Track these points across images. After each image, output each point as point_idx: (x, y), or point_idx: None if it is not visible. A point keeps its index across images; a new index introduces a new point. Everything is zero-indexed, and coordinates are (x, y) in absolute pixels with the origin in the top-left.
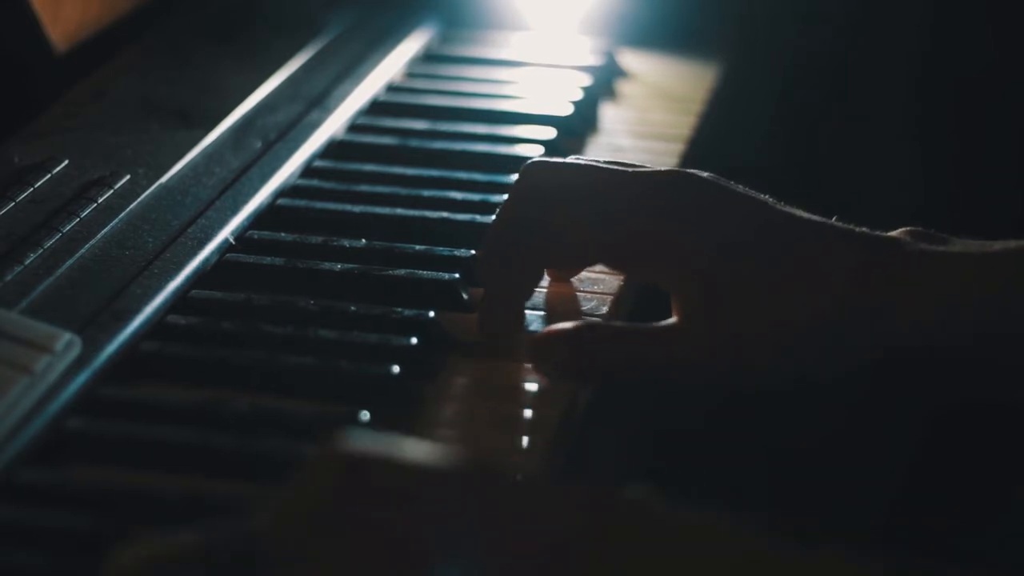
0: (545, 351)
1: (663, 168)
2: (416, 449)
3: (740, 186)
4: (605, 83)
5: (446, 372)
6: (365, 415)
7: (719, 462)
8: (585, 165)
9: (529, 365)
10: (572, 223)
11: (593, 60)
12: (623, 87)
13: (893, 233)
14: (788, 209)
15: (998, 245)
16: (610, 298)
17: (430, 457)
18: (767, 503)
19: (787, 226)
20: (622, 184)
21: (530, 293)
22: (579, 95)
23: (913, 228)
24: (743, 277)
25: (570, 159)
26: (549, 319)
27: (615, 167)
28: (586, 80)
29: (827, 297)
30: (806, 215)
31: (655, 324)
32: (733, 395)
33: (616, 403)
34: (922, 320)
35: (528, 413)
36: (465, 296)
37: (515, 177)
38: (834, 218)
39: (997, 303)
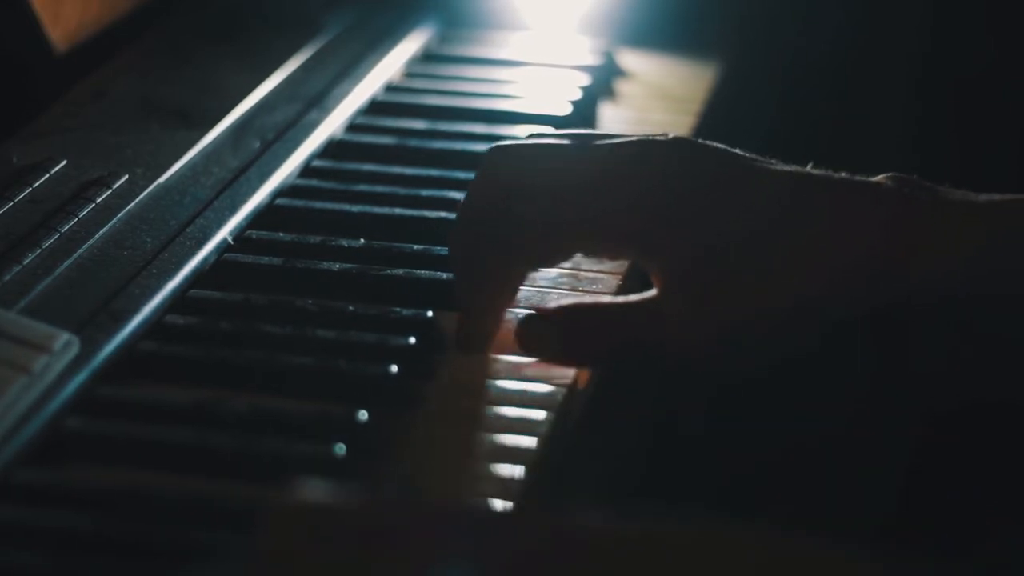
0: (535, 338)
1: (631, 138)
2: (371, 496)
3: (714, 145)
4: (604, 83)
5: (445, 372)
6: (364, 415)
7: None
8: (550, 146)
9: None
10: (543, 215)
11: (592, 60)
12: (622, 87)
13: (878, 179)
14: (766, 163)
15: (983, 197)
16: (608, 297)
17: (387, 503)
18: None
19: (774, 183)
20: (591, 162)
21: (510, 299)
22: (578, 95)
23: (896, 174)
24: (736, 249)
25: (534, 139)
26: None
27: (582, 141)
28: (585, 80)
29: (843, 258)
30: (783, 167)
31: (645, 299)
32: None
33: (616, 404)
34: (945, 271)
35: (527, 414)
36: None
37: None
38: (809, 165)
39: (1008, 250)
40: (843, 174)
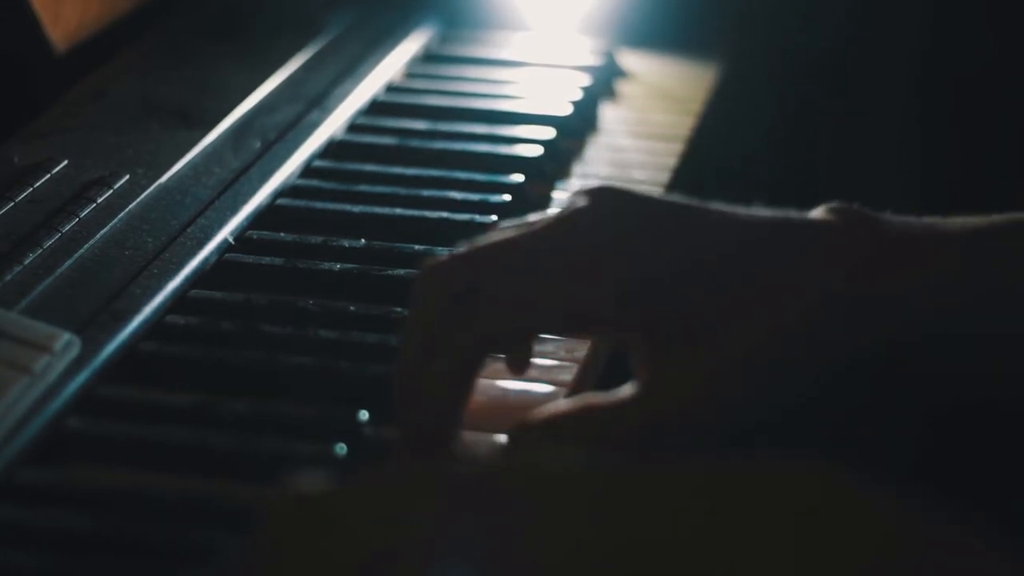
0: (522, 445)
1: (569, 212)
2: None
3: (639, 194)
4: (605, 83)
5: None
6: (364, 415)
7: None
8: (483, 249)
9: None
10: (492, 308)
11: (593, 60)
12: (623, 87)
13: (817, 212)
14: (705, 208)
15: (923, 222)
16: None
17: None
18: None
19: (722, 233)
20: (528, 252)
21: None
22: (579, 95)
23: (835, 205)
24: (693, 309)
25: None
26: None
27: (513, 232)
28: (586, 80)
29: (801, 305)
30: (728, 211)
31: (624, 393)
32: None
33: None
34: (920, 306)
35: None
36: None
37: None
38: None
39: (986, 279)
40: (780, 213)
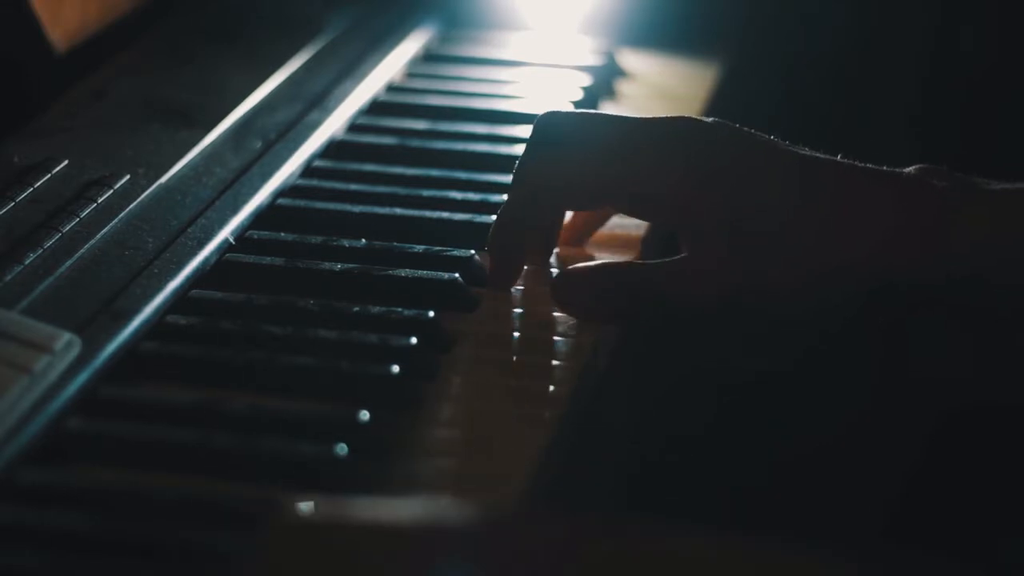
0: (567, 293)
1: (674, 115)
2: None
3: (755, 132)
4: (605, 83)
5: (446, 372)
6: (365, 415)
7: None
8: (599, 113)
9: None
10: (588, 166)
11: (593, 60)
12: (623, 87)
13: (910, 170)
14: (803, 151)
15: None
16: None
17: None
18: (770, 506)
19: (809, 168)
20: (636, 129)
21: (538, 244)
22: (579, 95)
23: (926, 165)
24: (760, 218)
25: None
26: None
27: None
28: (586, 80)
29: (869, 242)
30: (813, 153)
31: (668, 261)
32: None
33: (617, 404)
34: (968, 255)
35: (528, 414)
36: (465, 296)
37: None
38: (839, 156)
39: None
40: (868, 165)
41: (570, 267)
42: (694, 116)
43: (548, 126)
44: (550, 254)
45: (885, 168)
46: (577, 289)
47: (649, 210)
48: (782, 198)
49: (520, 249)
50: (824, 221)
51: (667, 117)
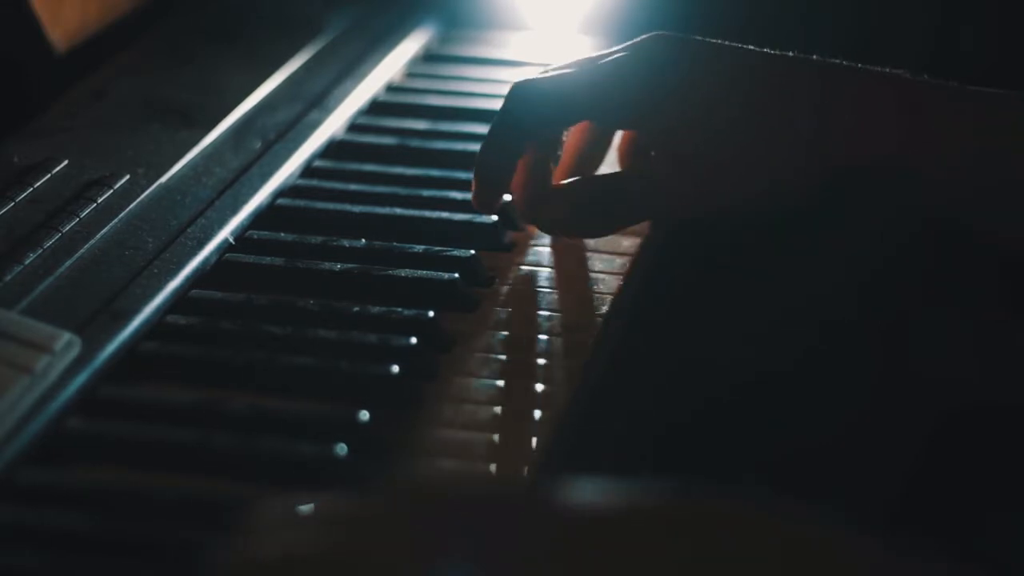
0: (544, 210)
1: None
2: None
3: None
4: None
5: (446, 372)
6: (365, 415)
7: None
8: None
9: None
10: (565, 85)
11: None
12: None
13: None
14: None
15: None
16: (610, 297)
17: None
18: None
19: (769, 63)
20: (604, 55)
21: (519, 169)
22: None
23: (902, 71)
24: (730, 123)
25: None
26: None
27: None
28: None
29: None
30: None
31: (641, 173)
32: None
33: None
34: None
35: (527, 414)
36: (465, 296)
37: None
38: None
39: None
40: (848, 63)
41: (546, 188)
42: (664, 34)
43: (522, 92)
44: (540, 185)
45: (859, 65)
46: (552, 203)
47: (617, 122)
48: (750, 109)
49: (505, 170)
50: (814, 126)
51: (635, 41)
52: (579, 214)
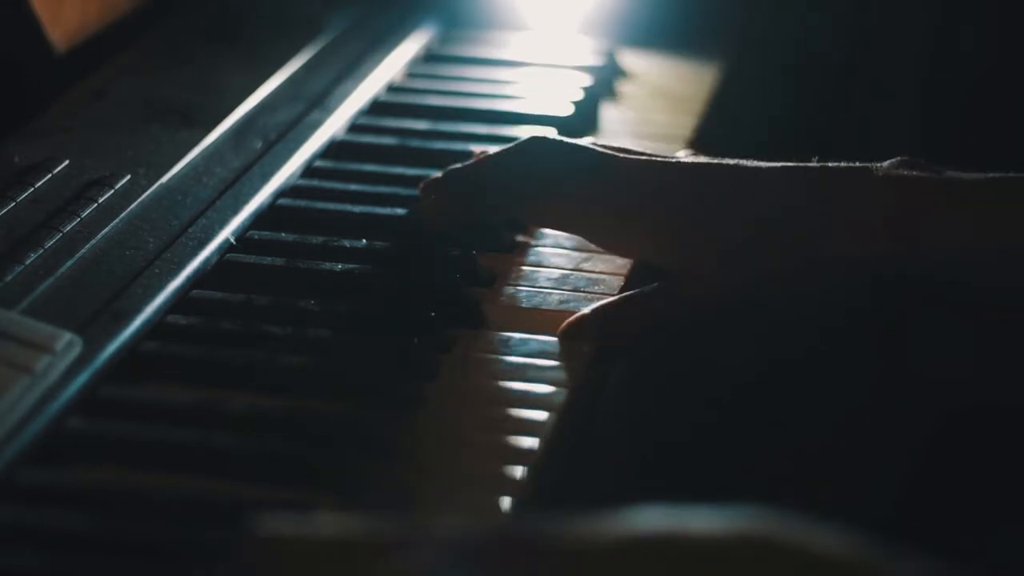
0: (577, 333)
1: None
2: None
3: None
4: (606, 83)
5: (446, 372)
6: (365, 415)
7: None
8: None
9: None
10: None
11: (594, 60)
12: (624, 87)
13: (884, 163)
14: (758, 163)
15: (989, 176)
16: (610, 297)
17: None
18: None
19: (771, 179)
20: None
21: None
22: (580, 95)
23: (903, 158)
24: (738, 243)
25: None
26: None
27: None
28: (587, 80)
29: (852, 234)
30: (777, 164)
31: (659, 286)
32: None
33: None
34: (952, 250)
35: (527, 415)
36: (465, 296)
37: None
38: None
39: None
40: (842, 163)
41: (573, 317)
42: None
43: (532, 152)
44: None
45: (859, 166)
46: (585, 331)
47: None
48: (768, 219)
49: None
50: (812, 238)
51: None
52: (616, 334)
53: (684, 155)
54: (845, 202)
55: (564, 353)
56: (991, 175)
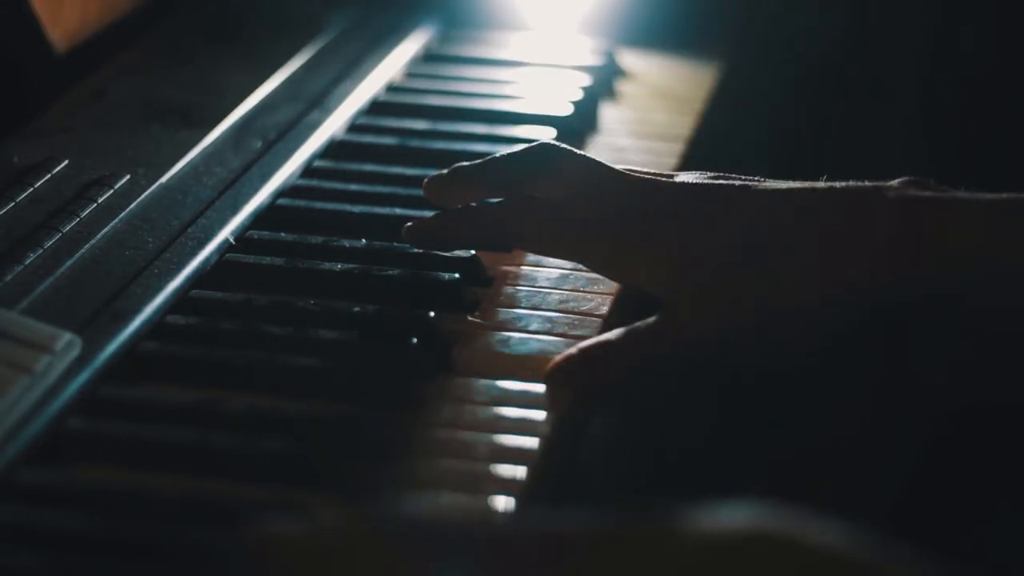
0: (563, 378)
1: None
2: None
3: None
4: (605, 83)
5: (445, 372)
6: (365, 415)
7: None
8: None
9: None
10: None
11: (593, 60)
12: (623, 87)
13: (889, 183)
14: (762, 181)
15: (993, 197)
16: (610, 297)
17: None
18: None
19: (774, 199)
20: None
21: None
22: (579, 95)
23: (908, 178)
24: (735, 262)
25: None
26: None
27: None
28: (586, 80)
29: (860, 258)
30: (783, 183)
31: (649, 321)
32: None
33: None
34: (954, 272)
35: (527, 415)
36: (465, 296)
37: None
38: (824, 178)
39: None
40: (848, 183)
41: (558, 358)
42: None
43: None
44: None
45: (865, 185)
46: (572, 376)
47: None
48: (768, 239)
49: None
50: (814, 258)
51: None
52: (594, 378)
53: (687, 175)
54: (848, 226)
55: (566, 351)
56: (1000, 196)
